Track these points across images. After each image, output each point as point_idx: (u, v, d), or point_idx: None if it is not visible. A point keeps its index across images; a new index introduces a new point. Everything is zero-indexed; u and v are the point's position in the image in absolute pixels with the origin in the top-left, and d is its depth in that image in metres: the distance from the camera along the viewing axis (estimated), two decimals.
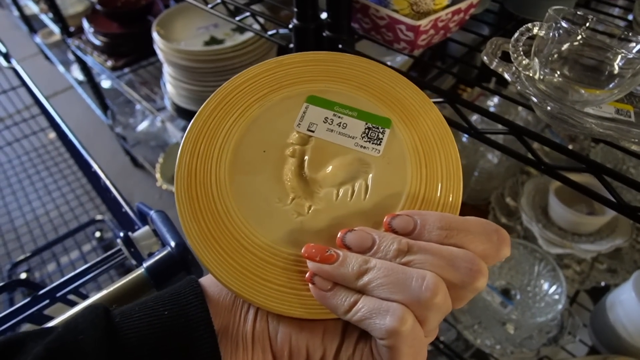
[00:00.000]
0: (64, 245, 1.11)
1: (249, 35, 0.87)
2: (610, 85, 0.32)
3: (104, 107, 1.67)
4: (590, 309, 0.72)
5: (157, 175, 1.43)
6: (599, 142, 0.56)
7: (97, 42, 1.17)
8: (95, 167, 0.53)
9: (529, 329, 0.61)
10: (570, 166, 0.34)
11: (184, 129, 1.35)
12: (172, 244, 0.35)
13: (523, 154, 0.38)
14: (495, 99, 0.86)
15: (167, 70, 0.95)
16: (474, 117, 0.82)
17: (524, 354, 0.62)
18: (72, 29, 1.32)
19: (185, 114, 1.00)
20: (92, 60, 1.21)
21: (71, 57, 1.60)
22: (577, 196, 0.73)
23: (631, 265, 0.73)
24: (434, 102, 0.31)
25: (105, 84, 1.78)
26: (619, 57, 0.30)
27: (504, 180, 0.82)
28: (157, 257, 0.34)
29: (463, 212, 0.24)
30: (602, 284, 0.72)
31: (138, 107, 1.70)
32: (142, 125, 1.63)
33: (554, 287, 0.62)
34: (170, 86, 0.98)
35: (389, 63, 0.37)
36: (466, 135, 0.81)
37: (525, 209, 0.73)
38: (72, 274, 0.39)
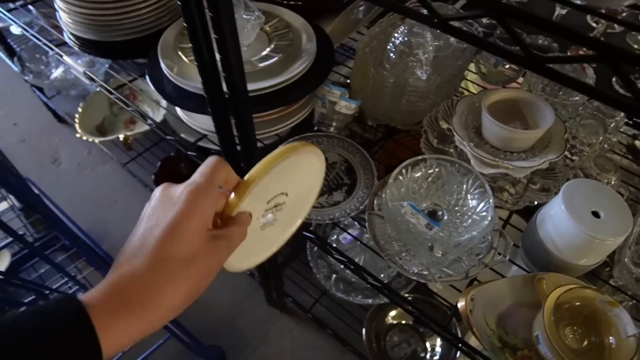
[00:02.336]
0: None
1: None
2: None
3: (10, 53, 1.47)
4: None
5: (77, 127, 1.29)
6: None
7: None
8: None
9: (457, 250, 0.57)
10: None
11: (89, 65, 1.20)
12: None
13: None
14: None
15: None
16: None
17: (452, 277, 0.58)
18: None
19: (87, 46, 0.86)
20: None
21: None
22: (510, 114, 0.67)
23: (564, 182, 0.70)
24: None
25: (16, 29, 1.57)
26: None
27: (436, 101, 0.76)
28: None
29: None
30: (535, 203, 0.69)
31: (51, 52, 1.51)
32: (57, 72, 1.46)
33: (482, 204, 0.57)
34: (63, 13, 0.84)
35: None
36: (393, 51, 0.73)
37: (457, 129, 0.68)
38: None
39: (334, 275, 1.04)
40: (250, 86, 0.63)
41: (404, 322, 1.02)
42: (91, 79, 0.88)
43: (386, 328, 1.02)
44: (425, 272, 0.59)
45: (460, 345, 0.57)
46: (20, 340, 0.23)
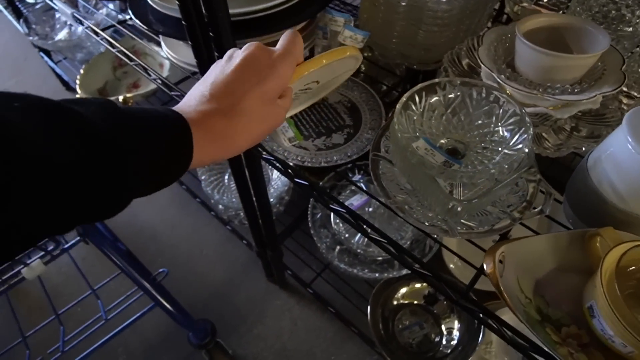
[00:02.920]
0: None
1: None
2: None
3: (18, 15, 1.41)
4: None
5: (77, 88, 1.21)
6: None
7: None
8: None
9: (481, 201, 0.44)
10: None
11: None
12: None
13: None
14: None
15: None
16: None
17: (474, 230, 0.45)
18: None
19: None
20: None
21: None
22: (550, 46, 0.53)
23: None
24: None
25: None
26: None
27: (458, 35, 0.63)
28: None
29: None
30: (583, 148, 0.55)
31: (58, 15, 1.44)
32: (61, 34, 1.38)
33: (516, 136, 0.44)
34: None
35: None
36: None
37: (484, 60, 0.55)
38: None
39: (338, 247, 0.92)
40: (235, 9, 0.52)
41: (415, 302, 0.89)
42: (95, 32, 0.77)
43: (395, 309, 0.90)
44: (445, 227, 0.47)
45: (484, 316, 0.45)
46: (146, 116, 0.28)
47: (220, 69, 0.34)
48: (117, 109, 0.27)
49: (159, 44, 0.74)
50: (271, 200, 0.98)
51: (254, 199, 0.79)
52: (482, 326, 0.78)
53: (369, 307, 0.82)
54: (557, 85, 0.52)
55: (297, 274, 1.04)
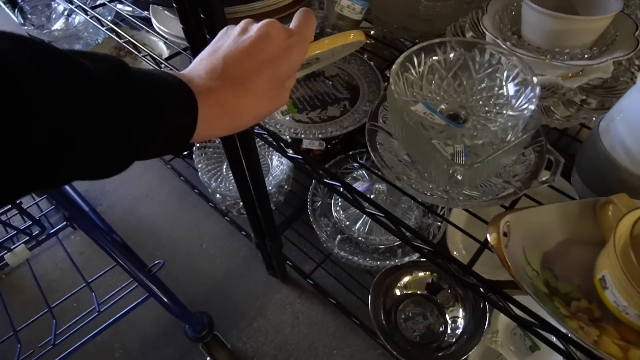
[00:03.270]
0: None
1: None
2: None
3: (13, 5, 1.41)
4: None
5: None
6: None
7: None
8: None
9: (484, 160, 0.41)
10: None
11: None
12: None
13: None
14: None
15: None
16: None
17: (477, 199, 0.43)
18: None
19: None
20: None
21: None
22: (560, 11, 0.50)
23: None
24: None
25: None
26: None
27: (462, 6, 0.60)
28: None
29: None
30: (594, 118, 0.52)
31: (54, 5, 1.44)
32: (58, 24, 1.38)
33: (522, 97, 0.41)
34: None
35: None
36: None
37: (489, 27, 0.52)
38: None
39: (339, 236, 0.89)
40: None
41: (418, 292, 0.86)
42: (98, 20, 0.75)
43: (398, 299, 0.87)
44: (446, 197, 0.44)
45: (488, 292, 0.42)
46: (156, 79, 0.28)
47: (233, 42, 0.32)
48: (127, 68, 0.26)
49: (177, 54, 0.71)
50: (271, 189, 0.95)
51: (250, 182, 0.77)
52: (487, 314, 0.74)
53: (369, 297, 0.79)
54: (566, 50, 0.49)
55: (297, 265, 1.01)
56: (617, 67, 0.60)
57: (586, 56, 0.49)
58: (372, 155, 0.47)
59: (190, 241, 1.24)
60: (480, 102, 0.45)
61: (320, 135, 0.51)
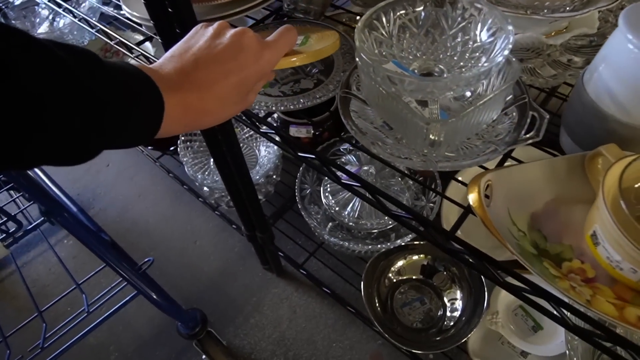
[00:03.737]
0: None
1: None
2: None
3: None
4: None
5: None
6: None
7: None
8: None
9: (463, 116, 0.38)
10: None
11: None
12: None
13: None
14: None
15: None
16: None
17: (457, 160, 0.40)
18: None
19: None
20: None
21: None
22: None
23: None
24: None
25: None
26: None
27: None
28: None
29: None
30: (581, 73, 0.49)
31: (38, 9, 1.43)
32: (42, 28, 1.37)
33: (497, 47, 0.38)
34: None
35: None
36: None
37: None
38: None
39: (330, 224, 0.87)
40: None
41: (414, 277, 0.83)
42: (86, 22, 0.73)
43: (393, 286, 0.84)
44: (419, 162, 0.41)
45: (473, 259, 0.39)
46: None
47: (205, 45, 0.33)
48: (99, 58, 0.26)
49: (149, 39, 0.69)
50: (258, 179, 0.93)
51: (235, 172, 0.75)
52: (485, 294, 0.71)
53: (362, 284, 0.76)
54: (547, 3, 0.47)
55: (289, 256, 0.98)
56: (603, 24, 0.57)
57: (567, 8, 0.47)
58: (345, 122, 0.44)
59: (183, 239, 1.22)
60: (456, 58, 0.42)
61: (292, 107, 0.48)
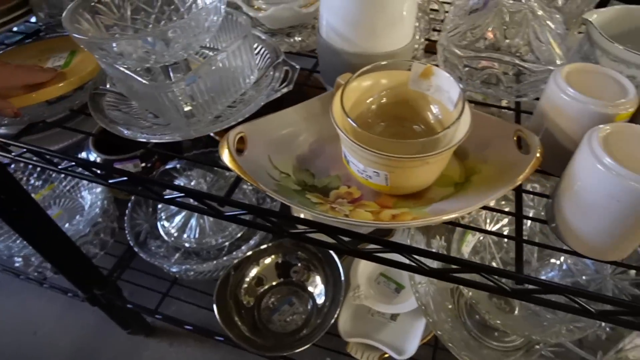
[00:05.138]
0: None
1: None
2: None
3: None
4: None
5: None
6: None
7: None
8: None
9: (197, 69, 0.37)
10: None
11: None
12: None
13: None
14: None
15: None
16: None
17: (215, 125, 0.38)
18: None
19: None
20: None
21: None
22: None
23: None
24: None
25: None
26: None
27: None
28: None
29: None
30: None
31: None
32: None
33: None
34: None
35: None
36: None
37: None
38: None
39: (177, 254, 0.79)
40: None
41: (274, 282, 0.79)
42: None
43: (258, 298, 0.78)
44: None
45: (256, 217, 0.37)
46: None
47: None
48: None
49: None
50: (82, 228, 0.81)
51: (37, 228, 0.63)
52: (340, 268, 0.71)
53: (214, 305, 0.70)
54: None
55: (140, 304, 0.86)
56: None
57: None
58: (94, 116, 0.40)
59: (19, 332, 1.01)
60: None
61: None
